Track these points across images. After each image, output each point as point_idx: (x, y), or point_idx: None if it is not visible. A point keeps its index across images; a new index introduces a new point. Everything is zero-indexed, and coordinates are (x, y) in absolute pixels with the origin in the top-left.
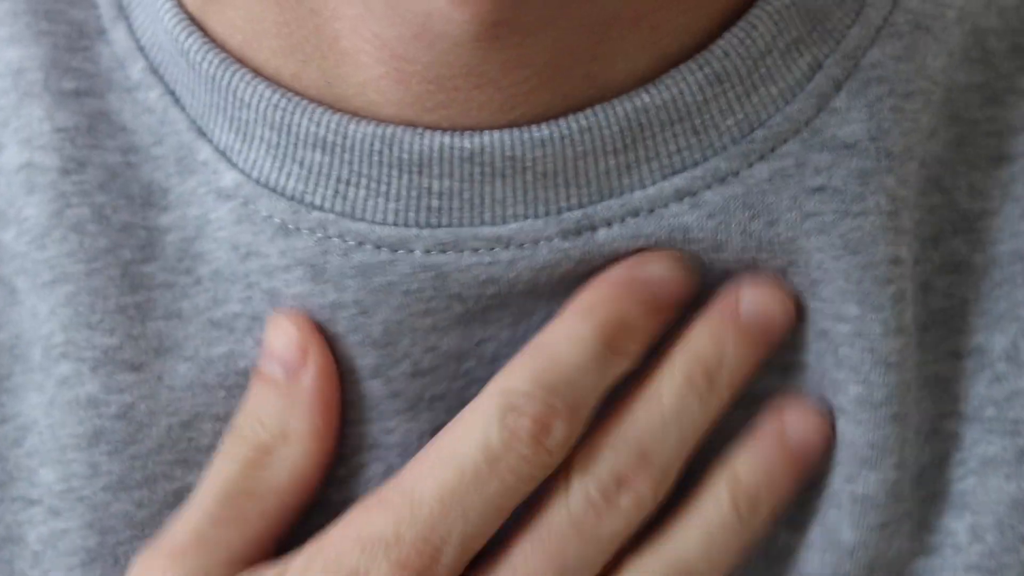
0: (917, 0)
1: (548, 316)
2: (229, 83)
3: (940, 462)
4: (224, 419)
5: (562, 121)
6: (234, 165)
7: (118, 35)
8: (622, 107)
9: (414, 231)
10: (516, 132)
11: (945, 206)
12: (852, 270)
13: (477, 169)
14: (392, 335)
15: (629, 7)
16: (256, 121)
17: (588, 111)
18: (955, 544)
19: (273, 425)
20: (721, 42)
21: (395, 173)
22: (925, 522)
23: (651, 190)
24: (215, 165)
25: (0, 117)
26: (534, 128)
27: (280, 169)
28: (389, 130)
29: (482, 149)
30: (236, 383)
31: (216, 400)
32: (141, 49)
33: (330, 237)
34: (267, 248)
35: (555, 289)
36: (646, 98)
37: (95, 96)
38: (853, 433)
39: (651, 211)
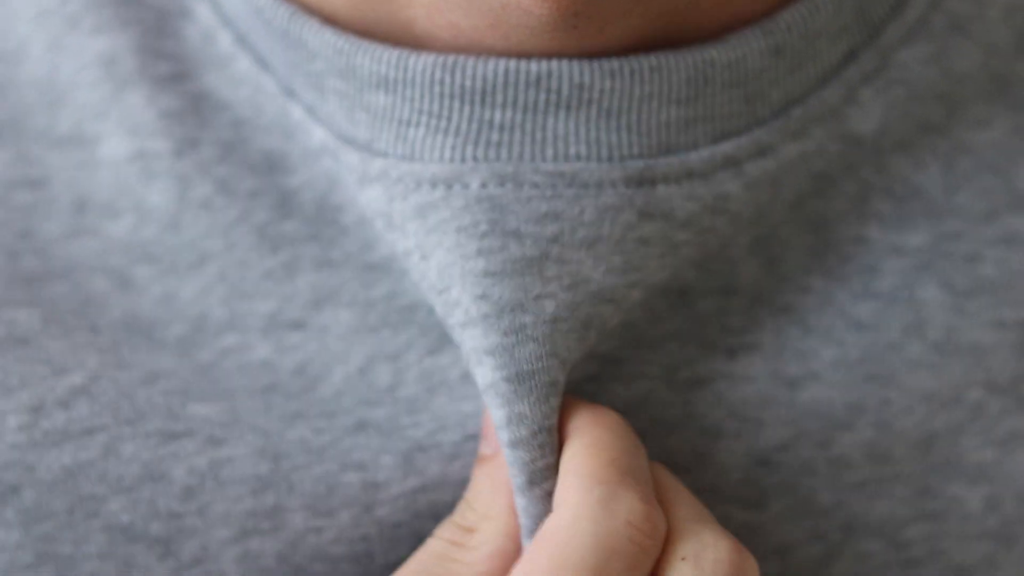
0: (958, 0)
1: (603, 283)
2: (300, 35)
3: (956, 430)
4: (395, 358)
5: (632, 58)
6: (320, 121)
7: (202, 12)
8: (692, 56)
9: (471, 164)
10: (585, 60)
11: (1000, 188)
12: (816, 246)
13: (543, 96)
14: (445, 279)
15: None
16: (326, 71)
17: (659, 53)
18: (963, 512)
19: (480, 505)
20: (786, 15)
21: (456, 105)
22: (927, 488)
23: (704, 153)
24: (305, 124)
25: (96, 110)
26: (604, 60)
27: (351, 119)
28: (451, 58)
29: (549, 73)
30: (400, 320)
31: (384, 340)
32: (227, 22)
33: (394, 183)
34: (360, 200)
35: (614, 248)
36: (714, 53)
37: (192, 79)
38: (828, 396)
39: (704, 176)
